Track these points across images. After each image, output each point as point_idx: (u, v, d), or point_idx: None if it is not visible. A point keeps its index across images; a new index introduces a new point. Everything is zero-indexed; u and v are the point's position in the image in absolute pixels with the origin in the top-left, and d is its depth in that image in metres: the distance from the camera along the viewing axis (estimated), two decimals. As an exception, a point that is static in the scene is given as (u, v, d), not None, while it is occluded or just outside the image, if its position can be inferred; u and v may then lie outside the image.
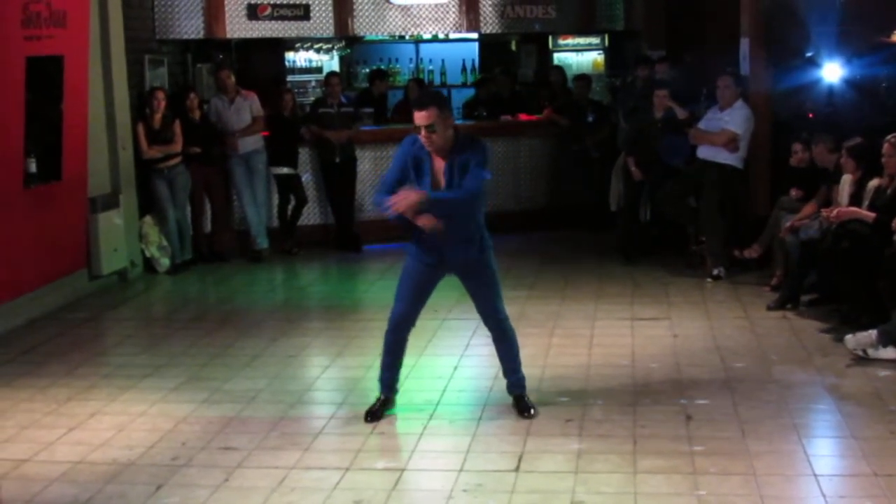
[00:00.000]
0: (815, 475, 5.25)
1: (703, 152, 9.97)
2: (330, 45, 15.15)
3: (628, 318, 8.47)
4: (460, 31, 13.41)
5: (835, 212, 8.01)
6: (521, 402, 6.30)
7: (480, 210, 6.09)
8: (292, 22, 12.53)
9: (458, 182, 5.88)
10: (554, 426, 6.02)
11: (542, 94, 13.76)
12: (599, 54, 15.22)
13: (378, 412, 6.29)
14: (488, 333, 7.70)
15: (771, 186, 10.27)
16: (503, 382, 6.53)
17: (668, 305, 8.88)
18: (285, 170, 11.82)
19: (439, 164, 5.95)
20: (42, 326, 8.74)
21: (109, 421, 6.34)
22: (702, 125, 10.07)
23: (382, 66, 15.07)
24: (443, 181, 5.93)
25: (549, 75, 14.11)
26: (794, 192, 9.23)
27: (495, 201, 11.88)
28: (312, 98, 13.62)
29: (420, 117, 5.81)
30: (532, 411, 6.23)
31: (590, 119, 12.52)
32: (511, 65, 15.70)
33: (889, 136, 7.88)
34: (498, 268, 6.24)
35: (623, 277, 9.98)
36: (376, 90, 13.54)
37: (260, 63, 13.96)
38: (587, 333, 8.05)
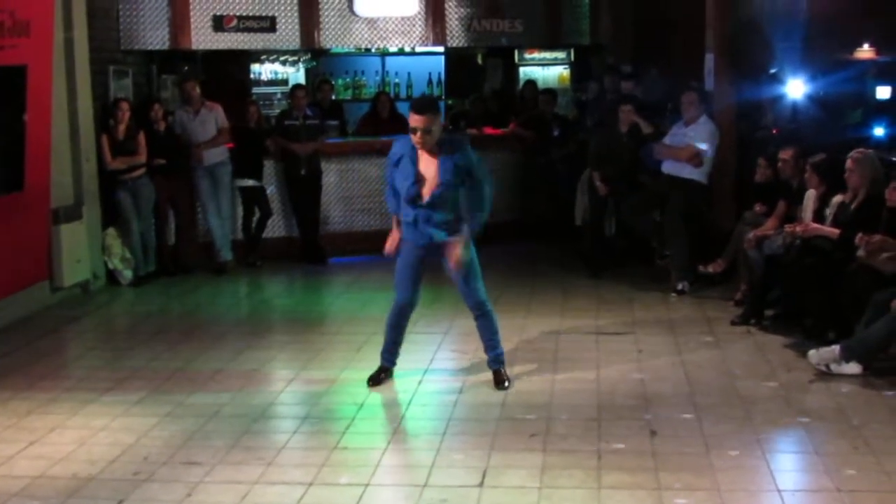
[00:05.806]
0: (779, 490, 5.27)
1: (668, 167, 10.02)
2: (296, 58, 15.12)
3: (593, 333, 8.48)
4: (427, 45, 13.44)
5: (801, 227, 8.06)
6: (497, 375, 7.01)
7: (458, 202, 6.73)
8: (258, 34, 12.50)
9: (449, 179, 6.57)
10: (518, 441, 6.01)
11: (515, 107, 13.81)
12: (565, 69, 15.33)
13: (379, 378, 7.08)
14: (453, 347, 7.87)
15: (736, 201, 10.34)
16: (467, 397, 6.84)
17: (632, 320, 8.89)
18: (250, 182, 11.77)
19: (428, 161, 6.60)
20: (2, 338, 8.63)
21: (71, 435, 6.27)
22: (667, 140, 10.11)
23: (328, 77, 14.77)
24: (437, 176, 6.57)
25: (523, 90, 14.15)
26: (758, 208, 9.28)
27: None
28: (278, 110, 13.58)
29: (419, 121, 6.46)
30: (507, 384, 6.94)
31: (555, 133, 12.57)
32: (482, 82, 15.73)
33: (852, 152, 7.95)
34: (476, 255, 6.88)
35: (588, 291, 9.99)
36: (321, 95, 13.43)
37: (225, 75, 13.91)
38: (552, 347, 8.05)
